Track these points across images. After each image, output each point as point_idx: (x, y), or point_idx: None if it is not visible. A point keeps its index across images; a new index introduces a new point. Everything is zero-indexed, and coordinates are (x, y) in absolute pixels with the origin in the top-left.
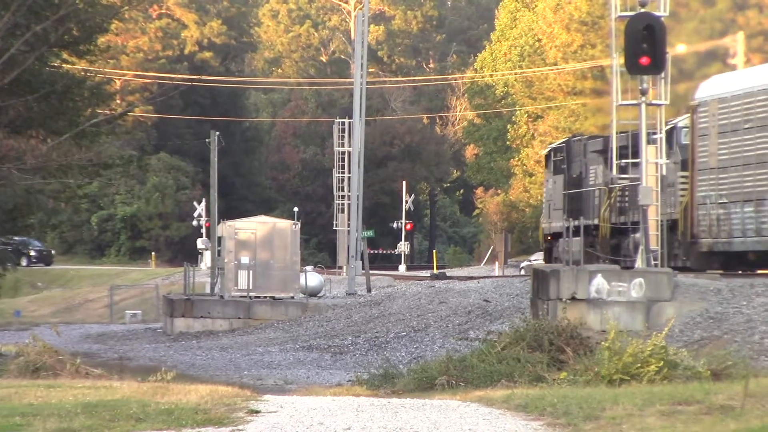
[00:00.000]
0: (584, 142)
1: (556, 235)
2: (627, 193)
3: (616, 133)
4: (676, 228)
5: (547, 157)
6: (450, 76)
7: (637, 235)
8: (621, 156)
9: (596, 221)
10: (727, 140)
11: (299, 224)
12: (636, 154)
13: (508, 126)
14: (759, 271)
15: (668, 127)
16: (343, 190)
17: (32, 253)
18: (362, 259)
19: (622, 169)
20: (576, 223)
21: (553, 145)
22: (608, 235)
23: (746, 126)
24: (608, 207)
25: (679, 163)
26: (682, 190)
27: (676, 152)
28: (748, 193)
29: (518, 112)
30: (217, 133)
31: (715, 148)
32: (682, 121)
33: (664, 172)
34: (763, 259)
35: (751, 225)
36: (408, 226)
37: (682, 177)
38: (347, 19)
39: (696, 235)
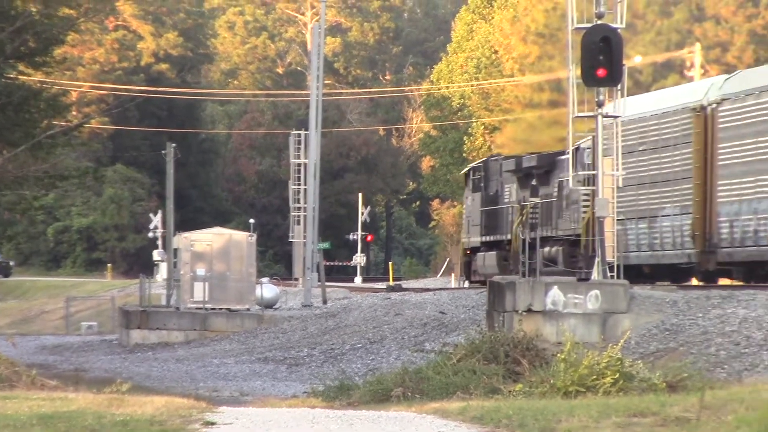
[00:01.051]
0: (500, 162)
1: (475, 250)
2: (537, 210)
3: (531, 154)
4: (578, 243)
5: (467, 175)
6: (406, 88)
7: (545, 249)
8: (531, 176)
9: (509, 236)
10: (625, 161)
11: (255, 236)
12: (547, 174)
13: (465, 138)
14: (717, 283)
15: (573, 147)
16: (299, 202)
17: None
18: (318, 270)
19: (533, 190)
20: (492, 238)
21: (472, 165)
22: (520, 249)
23: (641, 148)
24: (520, 223)
25: (582, 181)
26: (585, 207)
27: (579, 172)
28: (642, 210)
29: (475, 124)
30: (174, 144)
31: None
32: (585, 141)
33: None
34: (656, 272)
35: (645, 240)
36: (368, 238)
37: (585, 195)
38: (303, 31)
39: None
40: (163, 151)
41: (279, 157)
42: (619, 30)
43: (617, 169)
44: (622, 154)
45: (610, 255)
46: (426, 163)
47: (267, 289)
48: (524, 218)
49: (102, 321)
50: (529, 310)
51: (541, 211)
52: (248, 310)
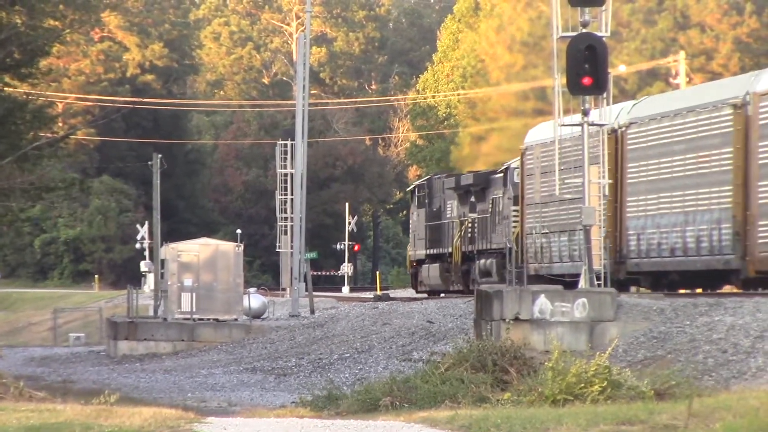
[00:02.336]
0: (443, 179)
1: (420, 262)
2: (475, 225)
3: (469, 172)
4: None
5: (412, 192)
6: (392, 98)
7: (481, 261)
8: (470, 194)
9: (451, 249)
10: (547, 179)
11: (242, 246)
12: (483, 191)
13: (451, 147)
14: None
15: (503, 167)
16: (285, 212)
17: None
18: (305, 280)
19: (471, 206)
20: (435, 251)
21: (417, 183)
22: (460, 261)
23: (562, 167)
24: (460, 237)
25: (512, 198)
26: (515, 222)
27: (509, 189)
28: (563, 224)
29: (461, 133)
30: (160, 155)
31: (538, 186)
32: (514, 162)
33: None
34: (576, 282)
35: (566, 252)
36: (355, 247)
37: (514, 211)
38: (289, 41)
39: (525, 260)
40: (149, 162)
41: (265, 167)
42: (604, 38)
43: (603, 177)
44: (544, 173)
45: (597, 263)
46: (413, 173)
47: (254, 300)
48: (463, 233)
49: (90, 332)
50: (516, 319)
51: (478, 226)
52: (236, 320)
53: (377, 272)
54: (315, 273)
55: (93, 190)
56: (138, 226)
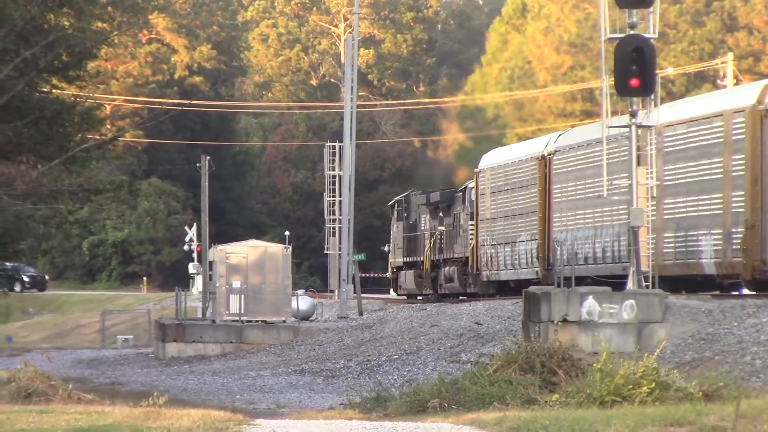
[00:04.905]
0: (418, 195)
1: (399, 268)
2: (442, 237)
3: (437, 190)
4: (468, 264)
5: (392, 206)
6: (440, 99)
7: (446, 268)
8: (438, 209)
9: (422, 258)
10: (495, 199)
11: (290, 248)
12: (449, 207)
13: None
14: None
15: (463, 186)
16: (333, 214)
17: (25, 279)
18: (354, 282)
19: (440, 220)
20: (411, 259)
21: (397, 198)
22: (429, 268)
23: (505, 189)
24: (430, 248)
25: (469, 214)
26: (471, 235)
27: (467, 206)
28: (507, 237)
29: (508, 134)
30: (208, 157)
31: (489, 204)
32: (471, 182)
33: (462, 222)
34: (519, 286)
35: (509, 261)
36: None
37: (471, 225)
38: (337, 43)
39: (479, 268)
40: (197, 164)
41: (313, 169)
42: (651, 40)
43: (652, 178)
44: (493, 193)
45: (645, 265)
46: (462, 174)
47: (303, 301)
48: (432, 243)
49: (138, 334)
50: (564, 321)
51: (445, 238)
52: (284, 322)
53: None
54: (363, 275)
55: (141, 192)
56: (186, 228)
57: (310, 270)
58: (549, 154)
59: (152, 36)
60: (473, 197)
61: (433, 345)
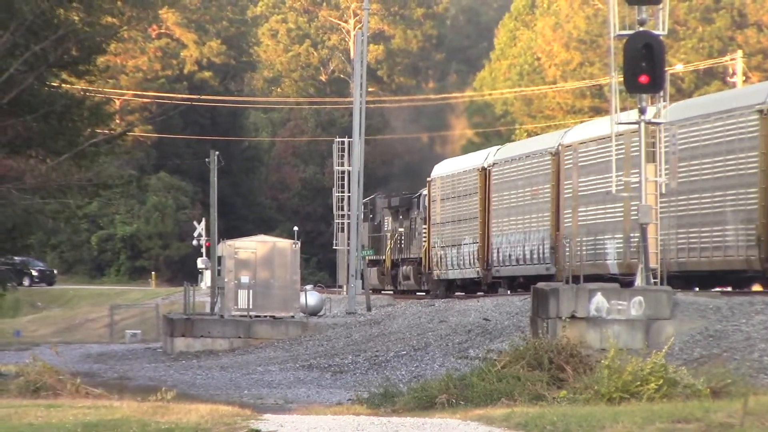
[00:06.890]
0: (382, 198)
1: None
2: (401, 238)
3: (397, 195)
4: (422, 263)
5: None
6: (450, 95)
7: (404, 267)
8: (398, 212)
9: (384, 257)
10: (444, 205)
11: (299, 243)
12: (407, 211)
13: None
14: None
15: (418, 193)
16: (342, 209)
17: (34, 273)
18: (362, 278)
19: (400, 223)
20: (375, 257)
21: (364, 201)
22: (390, 266)
23: (452, 196)
24: (390, 248)
25: (423, 218)
26: (425, 237)
27: (421, 211)
28: (454, 240)
29: (517, 130)
30: (217, 152)
31: (438, 210)
32: (424, 190)
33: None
34: (465, 284)
35: (456, 261)
36: None
37: (425, 228)
38: (346, 39)
39: (431, 268)
40: (206, 159)
41: (322, 164)
42: (660, 37)
43: (661, 175)
44: (442, 200)
45: (653, 262)
46: None
47: (311, 297)
48: (392, 244)
49: (146, 329)
50: (572, 317)
51: (403, 239)
52: (292, 317)
53: None
54: None
55: (150, 187)
56: (195, 223)
57: (319, 265)
58: (489, 166)
59: (162, 31)
60: (426, 204)
61: (441, 341)
